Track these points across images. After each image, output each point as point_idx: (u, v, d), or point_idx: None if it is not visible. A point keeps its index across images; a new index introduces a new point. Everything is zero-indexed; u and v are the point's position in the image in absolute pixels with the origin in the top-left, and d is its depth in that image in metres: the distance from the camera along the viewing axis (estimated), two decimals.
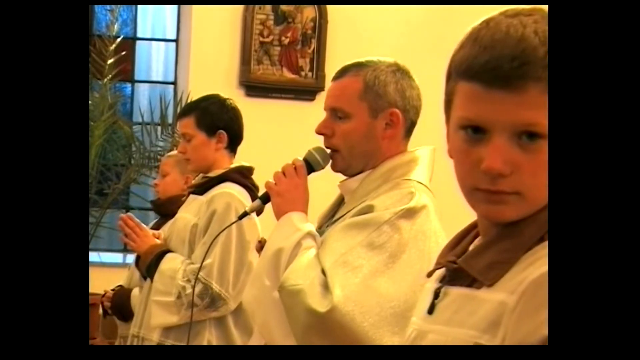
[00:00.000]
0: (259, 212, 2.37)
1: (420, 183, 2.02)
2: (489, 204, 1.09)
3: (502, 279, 1.08)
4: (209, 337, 2.98)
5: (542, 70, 1.03)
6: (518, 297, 1.02)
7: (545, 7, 1.08)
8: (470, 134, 1.09)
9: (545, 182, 1.03)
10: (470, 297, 1.11)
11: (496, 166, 1.06)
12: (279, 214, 2.09)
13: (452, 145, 1.13)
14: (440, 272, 1.22)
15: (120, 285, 3.80)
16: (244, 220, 2.79)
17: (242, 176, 3.08)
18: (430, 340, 1.15)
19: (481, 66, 1.06)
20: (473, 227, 1.21)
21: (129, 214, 3.22)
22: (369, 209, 1.97)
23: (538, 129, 1.05)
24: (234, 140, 3.13)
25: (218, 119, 3.08)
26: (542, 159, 1.05)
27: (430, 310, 1.18)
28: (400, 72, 2.08)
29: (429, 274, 1.25)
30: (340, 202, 2.17)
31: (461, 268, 1.14)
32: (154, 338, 3.01)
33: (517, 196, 1.07)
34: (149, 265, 3.03)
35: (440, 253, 1.24)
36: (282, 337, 1.96)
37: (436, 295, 1.18)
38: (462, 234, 1.23)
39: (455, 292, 1.15)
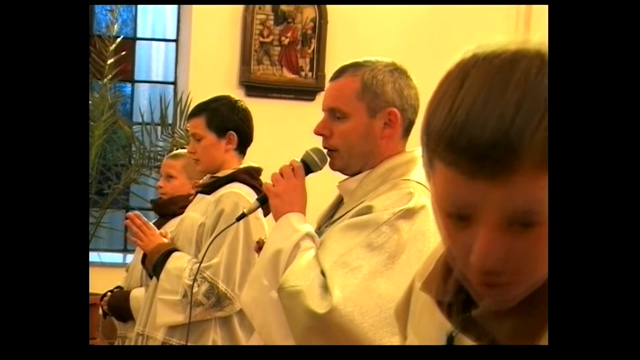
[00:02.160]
0: (267, 211, 2.36)
1: (419, 183, 2.02)
2: (485, 288, 0.99)
3: None
4: (214, 337, 2.98)
5: (530, 155, 0.90)
6: None
7: (540, 45, 0.96)
8: (454, 221, 0.97)
9: (544, 263, 0.95)
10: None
11: (487, 264, 0.95)
12: (277, 215, 2.09)
13: (435, 219, 1.01)
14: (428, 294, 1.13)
15: (118, 287, 3.81)
16: (251, 220, 2.80)
17: (250, 177, 3.08)
18: None
19: (459, 154, 0.92)
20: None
21: (137, 212, 3.22)
22: (368, 210, 1.97)
23: (530, 219, 0.93)
24: (244, 142, 3.13)
25: (228, 120, 3.08)
26: (537, 245, 0.94)
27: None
28: (397, 71, 2.08)
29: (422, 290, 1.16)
30: (339, 203, 2.17)
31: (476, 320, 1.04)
32: (158, 337, 3.01)
33: (514, 282, 0.98)
34: (155, 264, 3.03)
35: (436, 278, 1.12)
36: (281, 338, 1.96)
37: (449, 340, 1.08)
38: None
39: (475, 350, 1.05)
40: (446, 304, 1.09)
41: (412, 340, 1.20)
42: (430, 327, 1.13)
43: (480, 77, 0.94)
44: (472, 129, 0.91)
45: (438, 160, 0.95)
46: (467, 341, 1.06)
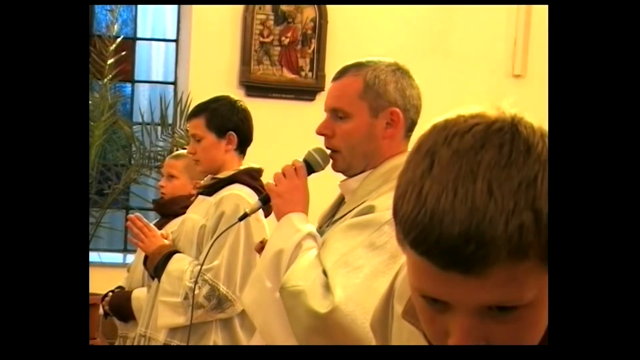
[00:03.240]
0: (267, 212, 2.36)
1: None
2: None
3: None
4: (215, 339, 2.98)
5: (505, 245, 0.86)
6: None
7: (513, 115, 0.91)
8: (430, 303, 0.93)
9: (529, 338, 0.93)
10: None
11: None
12: (279, 215, 2.09)
13: (412, 295, 0.97)
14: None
15: (119, 287, 3.81)
16: (252, 221, 2.79)
17: (251, 178, 3.07)
18: None
19: (430, 247, 0.87)
20: None
21: (138, 214, 3.22)
22: (370, 210, 1.96)
23: (508, 305, 0.89)
24: (244, 142, 3.13)
25: (228, 121, 3.08)
26: (519, 325, 0.91)
27: None
28: (399, 71, 2.08)
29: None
30: (340, 202, 2.17)
31: None
32: (160, 338, 3.01)
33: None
34: (156, 266, 3.03)
35: (409, 309, 1.08)
36: (283, 338, 1.96)
37: None
38: None
39: None
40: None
41: None
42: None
43: (449, 159, 0.89)
44: (442, 220, 0.86)
45: (409, 248, 0.90)
46: None
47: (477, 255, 0.85)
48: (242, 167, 3.10)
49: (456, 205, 0.86)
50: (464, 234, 0.85)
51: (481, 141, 0.89)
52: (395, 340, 1.22)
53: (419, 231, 0.88)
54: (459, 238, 0.85)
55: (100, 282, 4.20)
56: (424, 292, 0.92)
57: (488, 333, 0.91)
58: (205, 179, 3.16)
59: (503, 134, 0.89)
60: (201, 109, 3.13)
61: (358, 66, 2.08)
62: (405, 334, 1.16)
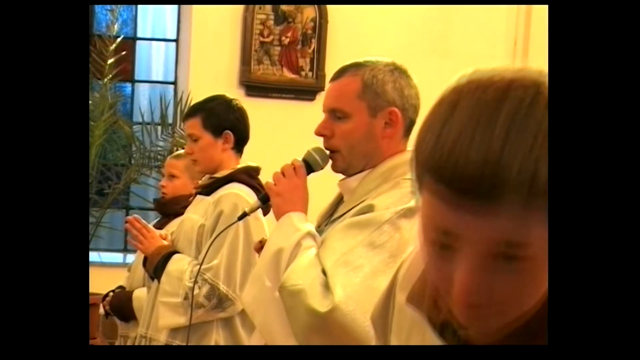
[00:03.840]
0: (266, 211, 2.36)
1: None
2: (469, 320, 0.97)
3: None
4: (217, 338, 2.98)
5: (516, 188, 0.88)
6: None
7: (538, 74, 0.94)
8: (438, 249, 0.95)
9: (530, 297, 0.95)
10: None
11: (469, 299, 0.93)
12: (278, 214, 2.09)
13: (419, 243, 0.99)
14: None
15: (120, 287, 3.81)
16: (251, 220, 2.79)
17: (249, 176, 3.08)
18: None
19: (444, 184, 0.91)
20: None
21: (136, 215, 3.22)
22: (370, 209, 1.97)
23: (514, 252, 0.91)
24: (241, 141, 3.13)
25: (224, 120, 3.08)
26: (523, 280, 0.93)
27: None
28: (398, 71, 2.09)
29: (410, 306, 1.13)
30: (339, 201, 2.17)
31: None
32: (161, 338, 3.01)
33: (498, 314, 0.96)
34: (156, 267, 3.03)
35: (421, 296, 1.10)
36: (282, 337, 1.96)
37: None
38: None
39: None
40: (439, 323, 1.06)
41: None
42: (418, 340, 1.11)
43: (471, 106, 0.92)
44: (458, 159, 0.89)
45: (424, 188, 0.94)
46: None
47: (489, 194, 0.88)
48: (239, 166, 3.10)
49: (473, 146, 0.89)
50: (478, 173, 0.88)
51: (503, 93, 0.92)
52: (396, 332, 1.21)
53: (435, 168, 0.91)
54: (472, 176, 0.89)
55: (101, 282, 4.20)
56: (434, 236, 0.95)
57: (491, 281, 0.93)
58: (203, 178, 3.16)
59: (525, 89, 0.92)
60: (197, 109, 3.14)
61: (356, 66, 2.08)
62: (406, 325, 1.17)
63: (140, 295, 3.56)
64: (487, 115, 0.90)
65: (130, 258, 4.85)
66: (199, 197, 3.14)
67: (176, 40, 6.60)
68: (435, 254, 0.96)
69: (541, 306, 0.97)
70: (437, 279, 0.97)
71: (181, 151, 3.92)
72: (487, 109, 0.91)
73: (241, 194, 2.97)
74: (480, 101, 0.92)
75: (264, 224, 2.97)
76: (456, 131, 0.91)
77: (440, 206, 0.92)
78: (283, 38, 6.21)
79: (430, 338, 1.08)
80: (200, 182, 3.18)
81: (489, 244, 0.91)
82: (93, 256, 5.89)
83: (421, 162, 0.94)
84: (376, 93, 2.05)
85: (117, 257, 6.35)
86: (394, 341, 1.23)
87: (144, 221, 3.15)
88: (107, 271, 5.42)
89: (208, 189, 3.08)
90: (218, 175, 3.08)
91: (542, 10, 5.84)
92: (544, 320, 0.97)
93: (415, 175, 0.97)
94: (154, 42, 6.79)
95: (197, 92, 5.32)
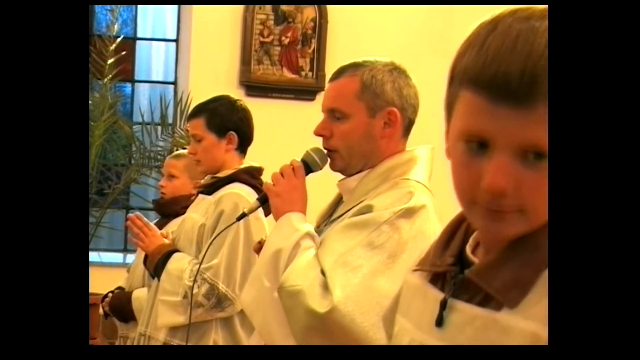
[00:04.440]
0: (267, 211, 2.36)
1: (419, 182, 2.03)
2: (489, 221, 1.03)
3: (525, 301, 1.01)
4: (215, 338, 2.98)
5: (545, 96, 0.96)
6: None
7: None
8: (472, 147, 1.02)
9: (546, 201, 0.98)
10: (493, 322, 1.03)
11: (499, 185, 0.99)
12: (277, 215, 2.09)
13: (451, 153, 1.06)
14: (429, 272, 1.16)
15: (119, 287, 3.81)
16: (251, 220, 2.79)
17: (251, 176, 3.07)
18: None
19: (488, 79, 0.98)
20: (460, 220, 1.16)
21: (138, 213, 3.22)
22: (369, 209, 1.97)
23: (544, 148, 0.97)
24: (244, 142, 3.13)
25: (228, 120, 3.08)
26: (544, 181, 0.98)
27: (439, 323, 1.09)
28: (396, 71, 2.09)
29: (416, 270, 1.19)
30: (338, 201, 2.17)
31: (470, 280, 1.07)
32: (160, 337, 3.01)
33: (518, 214, 1.01)
34: (156, 265, 3.03)
35: (433, 252, 1.17)
36: (282, 337, 1.96)
37: (442, 305, 1.09)
38: (451, 229, 1.17)
39: (469, 311, 1.06)
40: (441, 274, 1.13)
41: (403, 324, 1.21)
42: (423, 306, 1.15)
43: (512, 23, 0.99)
44: (500, 67, 0.97)
45: (464, 90, 1.01)
46: (460, 305, 1.07)
47: (528, 88, 0.96)
48: (241, 166, 3.10)
49: (515, 54, 0.97)
50: (520, 69, 0.96)
51: (542, 15, 1.00)
52: (401, 310, 1.25)
53: (478, 69, 0.99)
54: (514, 72, 0.96)
55: (101, 282, 4.20)
56: (468, 133, 1.02)
57: (519, 177, 0.99)
58: (206, 178, 3.16)
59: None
60: (201, 109, 3.13)
61: (355, 66, 2.08)
62: (409, 296, 1.22)
63: (139, 295, 3.56)
64: (527, 30, 0.98)
65: (131, 258, 4.84)
66: (200, 196, 3.14)
67: (176, 40, 6.60)
68: (468, 152, 1.02)
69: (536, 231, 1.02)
70: (467, 178, 1.03)
71: (181, 151, 3.92)
72: (527, 25, 0.98)
73: (242, 194, 2.97)
74: (521, 19, 0.99)
75: (265, 224, 2.97)
76: (498, 43, 0.98)
77: (480, 104, 0.99)
78: (283, 38, 6.21)
79: (431, 295, 1.13)
80: (202, 181, 3.18)
81: (521, 138, 0.98)
82: (93, 256, 5.89)
83: (460, 73, 1.02)
84: (375, 93, 2.05)
85: (117, 257, 6.35)
86: (397, 315, 1.25)
87: (145, 219, 3.15)
88: (107, 271, 5.42)
89: (210, 189, 3.08)
90: (220, 175, 3.08)
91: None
92: (536, 246, 1.02)
93: (452, 88, 1.05)
94: (154, 42, 6.79)
95: (197, 92, 5.33)
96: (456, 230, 1.16)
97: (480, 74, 0.99)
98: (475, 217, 1.05)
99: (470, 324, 1.05)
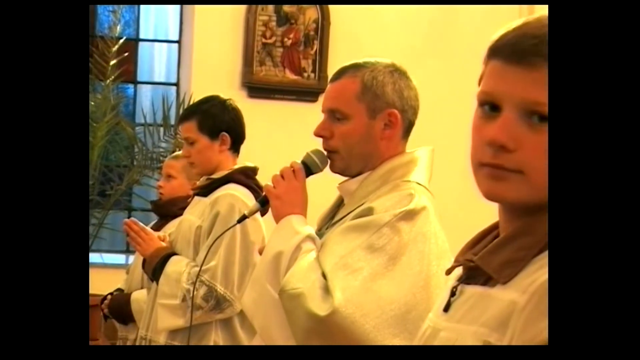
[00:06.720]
0: (264, 212, 2.35)
1: (420, 184, 2.02)
2: (491, 180, 1.09)
3: (516, 278, 1.08)
4: (216, 339, 2.98)
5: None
6: (528, 298, 1.02)
7: None
8: (486, 110, 1.11)
9: (546, 168, 1.03)
10: (484, 295, 1.12)
11: (500, 138, 1.07)
12: (278, 217, 2.09)
13: (474, 117, 1.16)
14: (459, 271, 1.23)
15: (118, 289, 3.81)
16: (248, 220, 2.79)
17: (246, 177, 3.08)
18: (442, 338, 1.16)
19: (504, 43, 1.10)
20: (494, 227, 1.21)
21: (133, 218, 3.22)
22: (369, 211, 1.96)
23: (544, 110, 1.04)
24: (237, 141, 3.13)
25: (220, 121, 3.08)
26: (545, 144, 1.04)
27: (446, 308, 1.19)
28: (397, 72, 2.08)
29: (448, 272, 1.26)
30: (339, 204, 2.17)
31: (477, 266, 1.14)
32: (160, 340, 3.02)
33: (519, 175, 1.08)
34: (154, 268, 3.04)
35: (459, 251, 1.24)
36: (282, 340, 1.96)
37: (452, 293, 1.19)
38: (483, 233, 1.23)
39: (471, 291, 1.16)
40: (460, 262, 1.21)
41: (429, 316, 1.27)
42: (442, 295, 1.24)
43: (528, 19, 1.13)
44: (521, 29, 1.10)
45: (487, 69, 1.12)
46: (466, 288, 1.17)
47: (536, 48, 1.06)
48: (236, 167, 3.10)
49: (537, 22, 1.10)
50: (533, 34, 1.08)
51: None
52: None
53: (500, 44, 1.11)
54: (528, 35, 1.08)
55: (103, 283, 4.20)
56: (483, 94, 1.11)
57: (522, 137, 1.07)
58: (201, 179, 3.17)
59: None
60: (192, 112, 3.14)
61: (356, 67, 2.08)
62: (441, 293, 1.29)
63: (138, 297, 3.56)
64: (538, 20, 1.11)
65: (132, 259, 4.85)
66: (196, 198, 3.14)
67: (178, 42, 6.59)
68: (482, 116, 1.11)
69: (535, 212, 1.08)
70: (478, 139, 1.11)
71: (179, 152, 3.92)
72: (537, 19, 1.11)
73: (237, 195, 2.97)
74: (536, 17, 1.13)
75: (262, 225, 2.97)
76: (517, 26, 1.11)
77: (496, 66, 1.10)
78: (285, 39, 6.21)
79: (449, 285, 1.23)
80: (198, 183, 3.19)
81: (524, 101, 1.06)
82: (95, 257, 5.88)
83: (490, 48, 1.13)
84: (375, 94, 2.05)
85: (119, 258, 6.34)
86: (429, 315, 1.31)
87: (141, 224, 3.15)
88: (109, 272, 5.42)
89: (205, 190, 3.08)
90: (215, 176, 3.08)
91: (543, 11, 5.83)
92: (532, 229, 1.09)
93: (482, 72, 1.15)
94: (156, 44, 6.79)
95: (199, 93, 5.30)
96: (486, 236, 1.22)
97: (499, 42, 1.11)
98: (481, 179, 1.11)
99: (468, 300, 1.15)
